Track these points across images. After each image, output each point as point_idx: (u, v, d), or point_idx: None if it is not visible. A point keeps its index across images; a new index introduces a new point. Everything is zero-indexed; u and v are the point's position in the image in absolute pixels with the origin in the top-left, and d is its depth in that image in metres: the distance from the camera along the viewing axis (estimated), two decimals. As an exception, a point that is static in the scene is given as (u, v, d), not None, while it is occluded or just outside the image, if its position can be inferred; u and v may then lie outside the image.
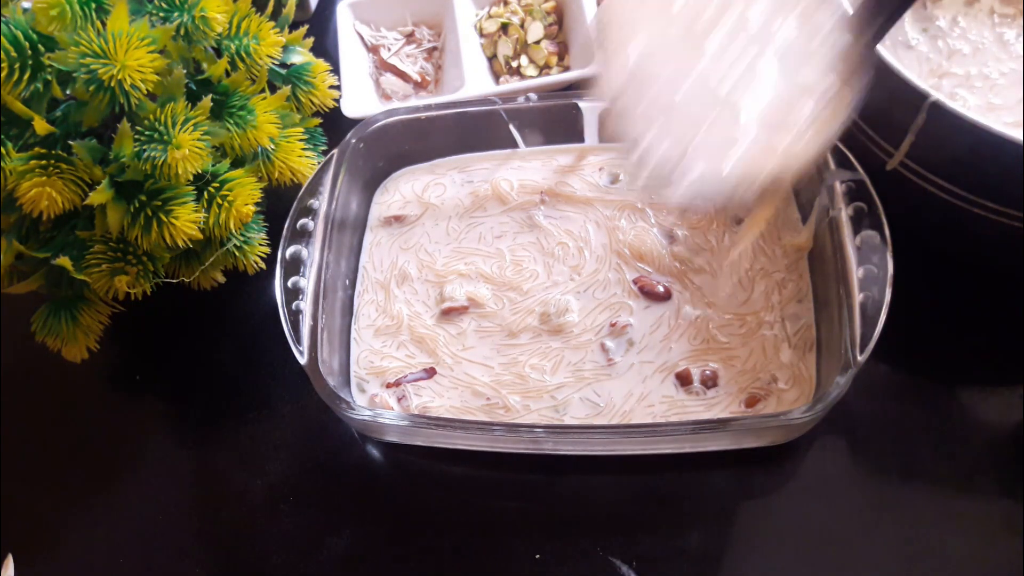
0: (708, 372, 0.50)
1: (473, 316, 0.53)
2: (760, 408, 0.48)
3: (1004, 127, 0.43)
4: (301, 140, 0.54)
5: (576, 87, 0.63)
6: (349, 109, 0.61)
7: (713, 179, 0.39)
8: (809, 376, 0.49)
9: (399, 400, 0.51)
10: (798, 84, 0.39)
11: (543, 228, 0.56)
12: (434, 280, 0.55)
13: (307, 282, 0.50)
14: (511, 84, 0.63)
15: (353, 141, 0.55)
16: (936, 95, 0.44)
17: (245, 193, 0.49)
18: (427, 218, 0.58)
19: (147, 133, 0.45)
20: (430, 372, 0.52)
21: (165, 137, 0.45)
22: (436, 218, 0.58)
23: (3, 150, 0.44)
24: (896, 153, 0.49)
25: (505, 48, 0.66)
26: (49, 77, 0.45)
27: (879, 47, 0.44)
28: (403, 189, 0.59)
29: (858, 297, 0.45)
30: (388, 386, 0.52)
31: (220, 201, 0.48)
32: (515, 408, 0.50)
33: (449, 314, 0.53)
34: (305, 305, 0.49)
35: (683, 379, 0.50)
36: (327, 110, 0.57)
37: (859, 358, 0.44)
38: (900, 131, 0.48)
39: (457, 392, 0.51)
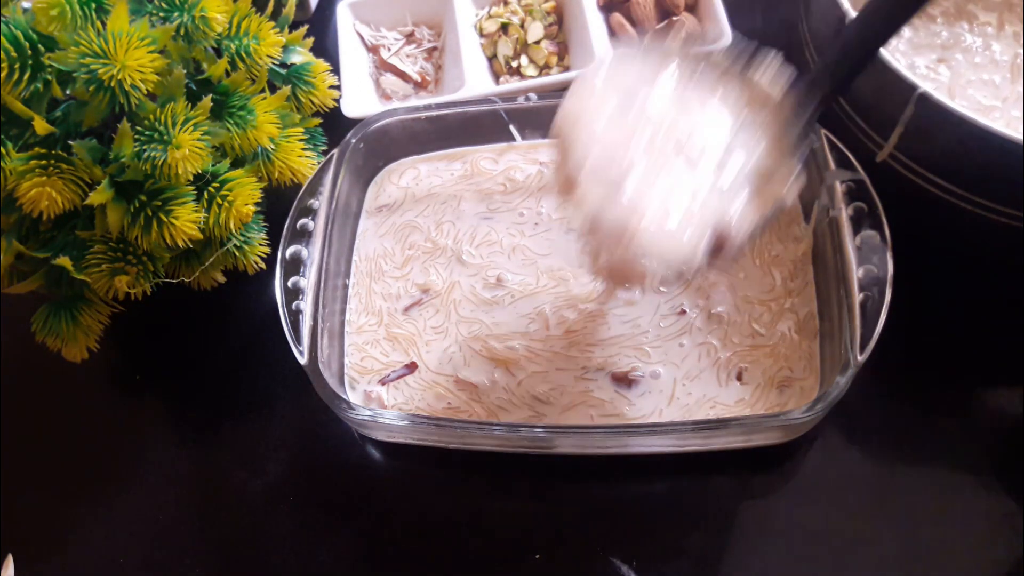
0: (744, 366, 0.50)
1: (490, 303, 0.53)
2: (787, 397, 0.48)
3: (992, 121, 0.43)
4: (301, 140, 0.54)
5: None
6: (349, 109, 0.61)
7: (666, 243, 0.39)
8: (818, 367, 0.49)
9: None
10: (747, 166, 0.40)
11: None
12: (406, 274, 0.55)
13: (307, 282, 0.50)
14: (511, 84, 0.63)
15: (353, 141, 0.55)
16: (924, 87, 0.44)
17: (245, 193, 0.49)
18: (412, 204, 0.58)
19: (147, 133, 0.45)
20: (411, 367, 0.52)
21: (165, 137, 0.45)
22: (428, 204, 0.58)
23: (3, 150, 0.44)
24: (886, 145, 0.49)
25: (505, 48, 0.65)
26: (49, 77, 0.45)
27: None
28: (394, 180, 0.59)
29: (858, 297, 0.45)
30: (382, 383, 0.52)
31: (220, 201, 0.48)
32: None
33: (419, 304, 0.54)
34: (305, 305, 0.49)
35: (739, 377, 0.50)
36: (327, 110, 0.57)
37: (859, 358, 0.44)
38: (890, 123, 0.48)
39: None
